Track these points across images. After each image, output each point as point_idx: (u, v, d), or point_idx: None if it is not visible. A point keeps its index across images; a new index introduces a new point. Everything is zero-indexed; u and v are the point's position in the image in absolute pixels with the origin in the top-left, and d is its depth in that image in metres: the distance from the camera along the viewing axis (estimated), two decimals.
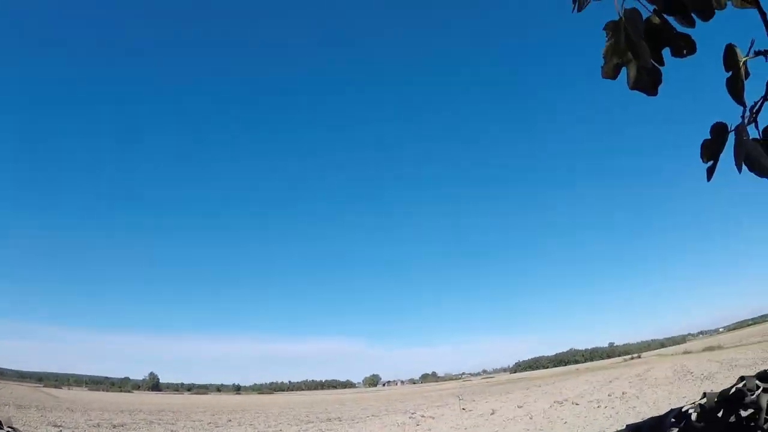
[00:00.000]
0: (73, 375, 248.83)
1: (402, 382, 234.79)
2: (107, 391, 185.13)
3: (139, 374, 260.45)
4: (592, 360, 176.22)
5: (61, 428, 28.78)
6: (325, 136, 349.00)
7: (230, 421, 42.25)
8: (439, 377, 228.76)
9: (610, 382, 43.45)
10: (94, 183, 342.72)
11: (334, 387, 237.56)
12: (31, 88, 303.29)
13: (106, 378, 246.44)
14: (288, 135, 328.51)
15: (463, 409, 37.46)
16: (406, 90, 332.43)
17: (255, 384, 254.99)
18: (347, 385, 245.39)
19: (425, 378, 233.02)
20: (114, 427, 33.44)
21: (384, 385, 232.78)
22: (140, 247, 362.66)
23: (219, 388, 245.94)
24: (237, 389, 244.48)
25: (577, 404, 29.46)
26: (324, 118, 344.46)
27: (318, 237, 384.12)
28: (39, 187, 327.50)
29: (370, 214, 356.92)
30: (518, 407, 33.15)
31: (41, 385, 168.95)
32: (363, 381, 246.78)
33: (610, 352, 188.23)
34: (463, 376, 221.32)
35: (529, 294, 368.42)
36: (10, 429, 2.15)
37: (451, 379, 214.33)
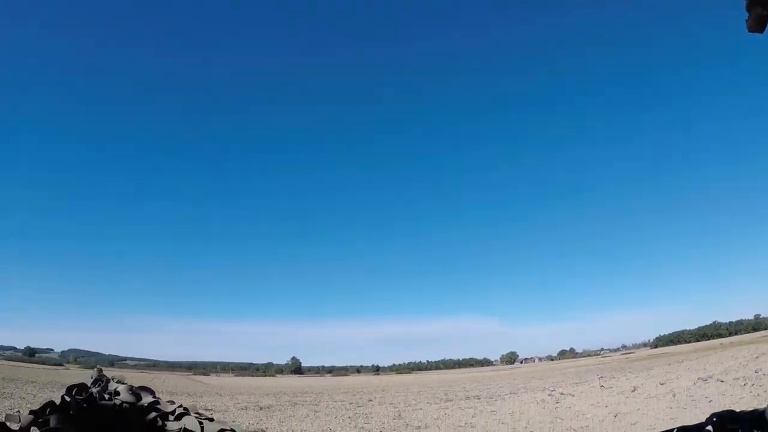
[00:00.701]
0: (220, 363, 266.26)
1: (539, 359, 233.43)
2: (252, 376, 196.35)
3: (281, 359, 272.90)
4: (736, 334, 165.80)
5: (212, 411, 28.40)
6: None
7: (371, 400, 42.15)
8: (576, 353, 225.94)
9: (757, 357, 39.61)
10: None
11: (472, 365, 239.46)
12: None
13: (251, 364, 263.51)
14: None
15: (602, 386, 36.64)
16: None
17: (393, 364, 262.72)
18: (484, 363, 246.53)
19: (563, 354, 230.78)
20: (260, 409, 33.98)
21: (521, 362, 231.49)
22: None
23: (359, 370, 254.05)
24: (376, 370, 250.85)
25: (722, 381, 27.98)
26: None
27: (452, 222, 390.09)
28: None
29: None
30: (660, 384, 32.00)
31: (191, 374, 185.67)
32: (500, 359, 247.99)
33: (757, 324, 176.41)
34: (602, 352, 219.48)
35: (670, 265, 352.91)
36: (196, 414, 2.48)
37: (589, 355, 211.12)
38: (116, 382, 2.78)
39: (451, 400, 38.19)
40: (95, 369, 2.96)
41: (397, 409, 32.02)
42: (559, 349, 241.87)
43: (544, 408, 27.33)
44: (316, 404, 38.49)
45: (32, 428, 2.32)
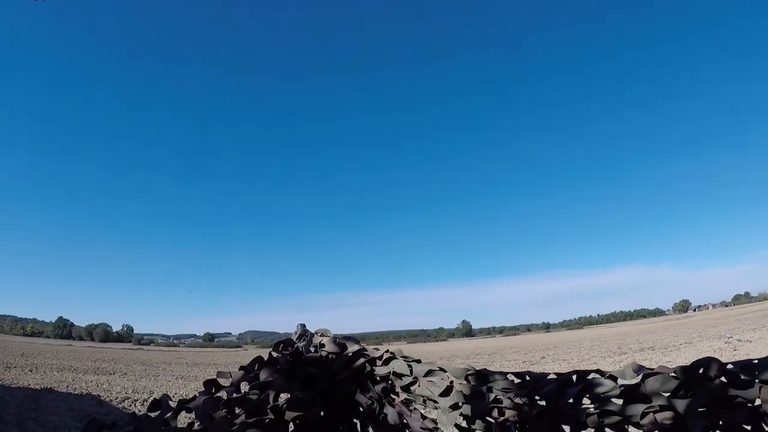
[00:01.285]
0: (392, 332, 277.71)
1: (713, 305, 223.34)
2: (424, 342, 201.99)
3: (452, 323, 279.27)
4: None
5: None
6: None
7: (544, 358, 41.62)
8: (752, 297, 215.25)
9: None
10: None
11: (644, 316, 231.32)
12: None
13: (422, 330, 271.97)
14: None
15: None
16: None
17: (564, 320, 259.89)
18: (656, 313, 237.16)
19: (737, 299, 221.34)
20: None
21: (695, 310, 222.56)
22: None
23: (529, 328, 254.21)
24: (546, 327, 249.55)
25: None
26: None
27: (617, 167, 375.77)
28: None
29: None
30: None
31: (364, 344, 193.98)
32: (672, 308, 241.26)
33: None
34: None
35: None
36: (404, 357, 2.51)
37: (765, 298, 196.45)
38: (320, 336, 2.83)
39: (625, 353, 37.20)
40: (298, 325, 3.01)
41: (570, 365, 31.46)
42: (734, 294, 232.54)
43: (721, 356, 25.62)
44: (489, 364, 37.53)
45: (242, 383, 2.34)
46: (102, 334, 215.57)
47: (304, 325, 2.90)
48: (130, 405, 18.66)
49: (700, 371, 1.80)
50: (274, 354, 2.60)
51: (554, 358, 40.51)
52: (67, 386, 24.15)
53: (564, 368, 29.72)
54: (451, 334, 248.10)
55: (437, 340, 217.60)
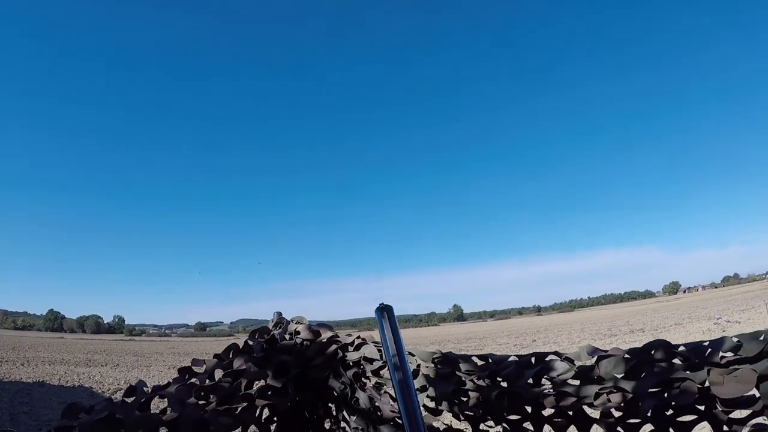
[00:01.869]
0: None
1: (703, 287, 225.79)
2: (416, 327, 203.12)
3: (443, 308, 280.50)
4: None
5: None
6: None
7: (535, 341, 42.20)
8: (741, 279, 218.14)
9: None
10: None
11: (634, 298, 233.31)
12: None
13: (414, 315, 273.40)
14: None
15: None
16: None
17: (555, 303, 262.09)
18: (647, 295, 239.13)
19: (727, 281, 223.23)
20: None
21: (684, 291, 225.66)
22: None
23: (520, 312, 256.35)
24: (537, 310, 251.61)
25: None
26: None
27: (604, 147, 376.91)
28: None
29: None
30: None
31: (356, 330, 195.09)
32: (662, 289, 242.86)
33: None
34: None
35: None
36: (375, 343, 2.50)
37: (754, 279, 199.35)
38: (295, 323, 2.84)
39: (615, 335, 37.91)
40: (275, 313, 3.01)
41: (561, 348, 31.37)
42: (723, 276, 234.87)
43: (710, 337, 25.95)
44: (480, 349, 38.45)
45: (216, 370, 2.39)
46: (93, 325, 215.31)
47: (280, 313, 2.95)
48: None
49: (652, 353, 1.85)
50: (250, 342, 2.65)
51: (545, 341, 40.89)
52: (59, 379, 24.21)
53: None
54: (443, 318, 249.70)
55: (429, 325, 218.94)
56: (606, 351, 1.91)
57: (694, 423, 1.79)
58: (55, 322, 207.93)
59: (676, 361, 1.82)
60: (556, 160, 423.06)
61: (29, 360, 36.03)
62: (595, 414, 1.92)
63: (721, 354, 1.74)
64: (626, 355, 1.89)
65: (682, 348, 1.84)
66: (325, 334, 2.63)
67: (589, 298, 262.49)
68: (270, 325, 2.88)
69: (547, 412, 1.98)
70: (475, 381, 2.12)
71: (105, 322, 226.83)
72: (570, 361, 1.97)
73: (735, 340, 1.74)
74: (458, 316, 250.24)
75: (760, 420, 1.69)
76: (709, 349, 1.77)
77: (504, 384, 2.07)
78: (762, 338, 1.67)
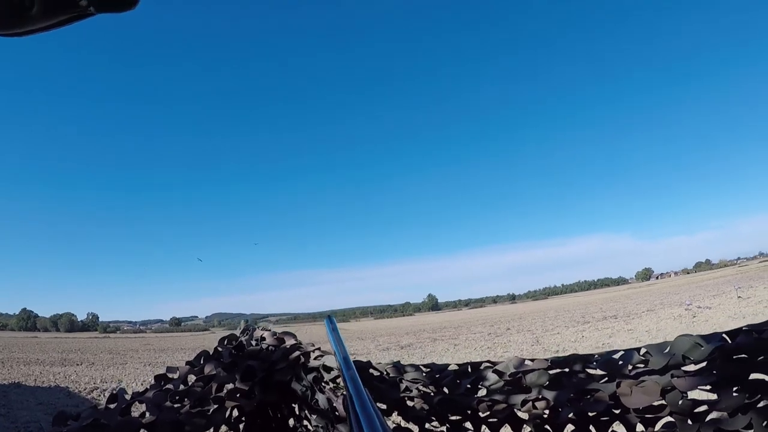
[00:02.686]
0: (358, 308, 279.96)
1: (675, 273, 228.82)
2: (391, 317, 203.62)
3: (418, 298, 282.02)
4: None
5: (354, 355, 28.95)
6: None
7: (509, 329, 42.60)
8: (713, 264, 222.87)
9: None
10: None
11: (607, 285, 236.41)
12: None
13: (389, 306, 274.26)
14: None
15: (740, 297, 36.01)
16: None
17: (529, 291, 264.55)
18: (620, 282, 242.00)
19: (699, 267, 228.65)
20: (401, 348, 35.05)
21: (657, 278, 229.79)
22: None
23: (495, 300, 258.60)
24: (512, 298, 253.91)
25: None
26: None
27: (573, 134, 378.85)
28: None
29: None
30: None
31: (299, 339, 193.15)
32: (635, 276, 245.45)
33: None
34: (739, 261, 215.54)
35: None
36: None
37: (725, 265, 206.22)
38: (262, 330, 3.08)
39: (588, 322, 38.33)
40: (242, 321, 3.28)
41: (534, 336, 32.47)
42: (695, 262, 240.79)
43: (681, 323, 27.05)
44: (455, 338, 39.21)
45: (189, 376, 2.64)
46: (67, 324, 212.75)
47: (247, 321, 3.20)
48: (99, 395, 18.77)
49: (569, 365, 2.08)
50: (220, 348, 2.90)
51: (519, 329, 41.42)
52: (35, 380, 24.11)
53: (528, 339, 30.58)
54: (418, 308, 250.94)
55: (404, 315, 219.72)
56: (533, 360, 2.17)
57: (610, 422, 1.98)
58: (28, 321, 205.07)
59: (596, 371, 2.03)
60: (529, 149, 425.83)
61: (3, 361, 35.68)
62: (525, 415, 2.13)
63: (630, 365, 1.94)
64: (549, 364, 2.11)
65: (597, 356, 2.05)
66: (288, 341, 2.85)
67: (563, 285, 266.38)
68: (238, 332, 3.14)
69: (484, 413, 2.22)
70: (420, 388, 2.38)
71: (79, 319, 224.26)
72: (498, 372, 2.23)
73: (644, 351, 1.94)
74: (433, 305, 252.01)
75: (668, 419, 1.87)
76: (621, 362, 1.97)
77: (446, 390, 2.32)
78: (667, 351, 1.87)
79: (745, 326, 1.83)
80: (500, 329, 43.67)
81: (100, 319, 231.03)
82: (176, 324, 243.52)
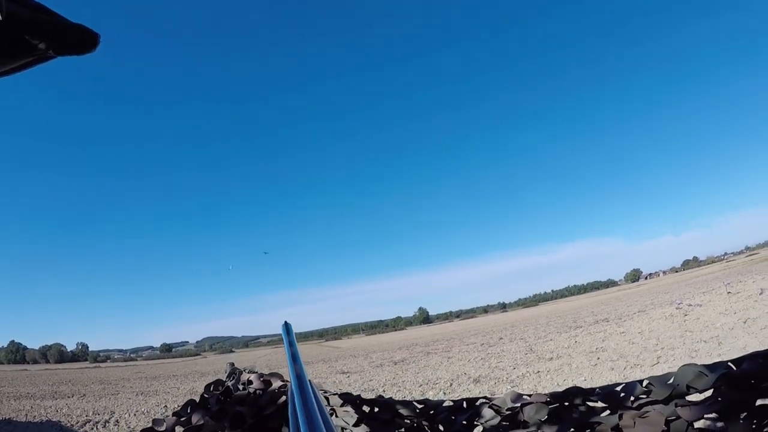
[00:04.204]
0: (349, 325, 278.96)
1: (663, 272, 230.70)
2: (383, 333, 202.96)
3: (409, 312, 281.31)
4: None
5: (348, 374, 30.55)
6: None
7: (501, 339, 41.88)
8: (701, 261, 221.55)
9: None
10: None
11: (597, 288, 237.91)
12: None
13: (380, 321, 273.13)
14: None
15: (729, 292, 35.73)
16: None
17: (519, 299, 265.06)
18: (609, 284, 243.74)
19: (686, 264, 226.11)
20: (395, 363, 34.57)
21: (646, 278, 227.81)
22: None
23: (486, 310, 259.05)
24: (503, 307, 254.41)
25: None
26: None
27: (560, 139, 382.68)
28: None
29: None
30: None
31: (323, 340, 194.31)
32: (624, 277, 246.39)
33: None
34: (726, 256, 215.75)
35: None
36: (322, 390, 2.81)
37: (713, 261, 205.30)
38: (248, 373, 3.00)
39: (580, 327, 37.93)
40: (227, 364, 3.18)
41: (527, 344, 32.09)
42: (683, 260, 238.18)
43: (672, 322, 26.69)
44: (448, 350, 38.64)
45: (176, 428, 2.53)
46: (57, 354, 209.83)
47: (233, 364, 3.09)
48: (92, 428, 18.44)
49: (569, 399, 2.03)
50: (206, 396, 2.80)
51: (512, 337, 40.86)
52: (26, 415, 23.67)
53: (521, 347, 30.39)
54: (409, 322, 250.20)
55: (396, 330, 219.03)
56: (530, 395, 2.11)
57: None
58: (17, 354, 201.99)
59: (597, 404, 1.99)
60: (513, 159, 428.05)
61: None
62: None
63: (633, 397, 1.91)
64: (548, 399, 2.07)
65: (598, 390, 2.01)
66: (276, 384, 2.75)
67: (552, 291, 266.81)
68: (224, 377, 3.04)
69: None
70: (414, 424, 2.30)
71: (68, 350, 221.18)
72: (495, 407, 2.16)
73: (646, 382, 1.91)
74: (424, 318, 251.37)
75: None
76: (622, 393, 1.93)
77: (441, 427, 2.25)
78: (671, 381, 1.84)
79: (749, 353, 1.80)
80: (493, 339, 43.24)
81: (90, 349, 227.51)
82: (167, 350, 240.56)
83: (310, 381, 1.12)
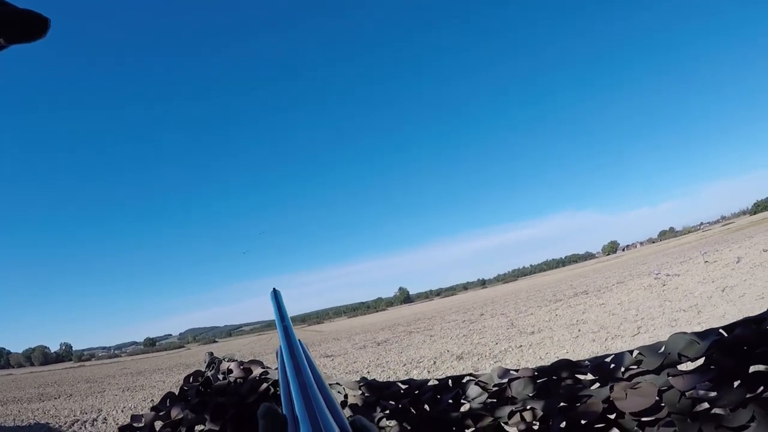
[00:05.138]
0: (331, 308, 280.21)
1: (640, 243, 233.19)
2: (365, 314, 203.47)
3: (389, 292, 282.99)
4: None
5: (332, 357, 30.31)
6: None
7: (482, 315, 41.58)
8: (677, 232, 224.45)
9: None
10: None
11: (575, 261, 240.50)
12: None
13: (361, 303, 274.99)
14: None
15: (707, 261, 35.86)
16: None
17: (498, 275, 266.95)
18: (587, 257, 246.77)
19: (663, 235, 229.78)
20: (378, 344, 34.24)
21: (623, 249, 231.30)
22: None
23: (465, 286, 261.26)
24: (482, 283, 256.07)
25: None
26: None
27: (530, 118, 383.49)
28: None
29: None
30: (764, 251, 31.10)
31: (305, 325, 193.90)
32: (602, 249, 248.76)
33: None
34: (702, 226, 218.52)
35: (759, 123, 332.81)
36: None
37: (689, 231, 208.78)
38: (227, 361, 2.92)
39: (560, 300, 37.72)
40: (207, 353, 3.12)
41: (508, 318, 32.06)
42: (659, 230, 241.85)
43: (651, 293, 26.66)
44: (430, 329, 38.46)
45: (156, 423, 2.44)
46: (41, 357, 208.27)
47: (212, 353, 3.01)
48: (80, 427, 18.27)
49: (557, 372, 2.00)
50: (185, 387, 2.71)
51: (492, 313, 40.80)
52: (14, 419, 23.40)
53: (503, 323, 30.47)
54: (390, 302, 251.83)
55: (377, 311, 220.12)
56: (516, 371, 2.06)
57: (606, 428, 1.90)
58: (0, 359, 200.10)
59: (586, 376, 1.96)
60: (488, 134, 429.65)
61: None
62: (513, 429, 2.03)
63: (623, 368, 1.87)
64: (535, 373, 2.03)
65: (587, 362, 1.97)
66: (256, 371, 2.68)
67: (531, 265, 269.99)
68: (203, 368, 2.95)
69: (469, 429, 2.10)
70: (399, 406, 2.24)
71: (52, 351, 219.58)
72: (483, 384, 2.11)
73: (636, 353, 1.87)
74: (405, 298, 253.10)
75: (667, 420, 1.79)
76: (612, 365, 1.90)
77: (426, 407, 2.19)
78: (662, 351, 1.80)
79: (742, 318, 1.77)
80: (474, 315, 43.13)
81: (73, 348, 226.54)
82: (151, 344, 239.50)
83: (300, 341, 1.07)
